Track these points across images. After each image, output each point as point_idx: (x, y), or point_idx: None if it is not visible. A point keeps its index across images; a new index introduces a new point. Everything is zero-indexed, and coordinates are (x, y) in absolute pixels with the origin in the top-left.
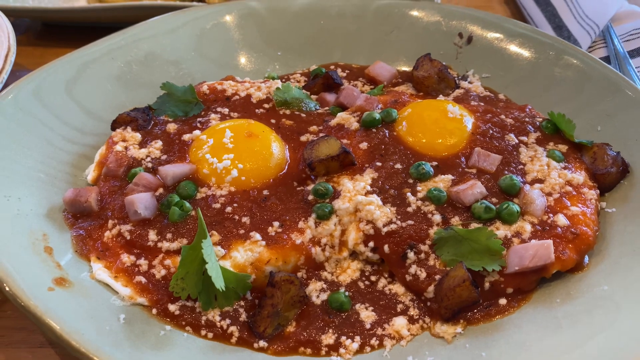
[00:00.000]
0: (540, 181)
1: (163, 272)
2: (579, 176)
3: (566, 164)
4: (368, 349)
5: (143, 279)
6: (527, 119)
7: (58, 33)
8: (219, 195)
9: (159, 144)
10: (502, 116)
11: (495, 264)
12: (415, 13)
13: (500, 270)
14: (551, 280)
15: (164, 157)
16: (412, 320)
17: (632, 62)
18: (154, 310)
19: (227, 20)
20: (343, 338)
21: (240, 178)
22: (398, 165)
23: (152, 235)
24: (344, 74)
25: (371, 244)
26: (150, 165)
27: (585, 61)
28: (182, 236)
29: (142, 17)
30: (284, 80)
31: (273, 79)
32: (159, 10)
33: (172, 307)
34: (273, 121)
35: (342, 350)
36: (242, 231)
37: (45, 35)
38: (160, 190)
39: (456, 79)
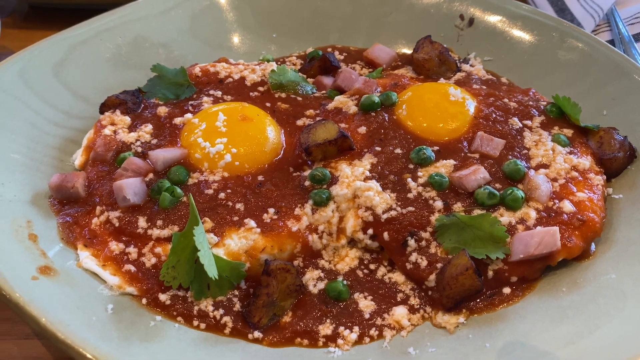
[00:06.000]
0: (545, 166)
1: (153, 260)
2: (585, 161)
3: (572, 149)
4: (367, 339)
5: (132, 268)
6: (531, 103)
7: (45, 15)
8: (212, 181)
9: (149, 127)
10: (505, 100)
11: (499, 252)
12: None
13: (505, 258)
14: (557, 268)
15: (154, 141)
16: (412, 310)
17: (637, 46)
18: (144, 300)
19: (221, 1)
20: (341, 328)
21: (234, 163)
22: (398, 150)
23: (142, 222)
24: (342, 57)
25: (370, 231)
26: (140, 149)
27: (590, 44)
28: (173, 223)
29: None
30: (279, 62)
31: (268, 61)
32: None
33: (163, 297)
34: (268, 105)
35: (340, 341)
36: (236, 218)
37: (32, 18)
38: (150, 175)
39: (457, 62)
